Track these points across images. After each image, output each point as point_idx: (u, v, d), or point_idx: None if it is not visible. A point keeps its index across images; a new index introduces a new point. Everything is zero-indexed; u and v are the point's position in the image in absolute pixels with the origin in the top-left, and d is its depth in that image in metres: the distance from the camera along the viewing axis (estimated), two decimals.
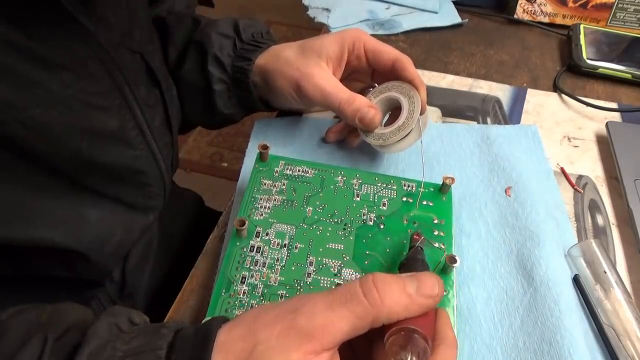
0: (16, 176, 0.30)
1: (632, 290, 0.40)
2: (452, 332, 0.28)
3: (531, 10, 0.71)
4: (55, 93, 0.30)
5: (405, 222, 0.39)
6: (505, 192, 0.45)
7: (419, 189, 0.41)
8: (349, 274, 0.36)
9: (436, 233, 0.39)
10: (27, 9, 0.28)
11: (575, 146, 0.53)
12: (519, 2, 0.70)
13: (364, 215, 0.39)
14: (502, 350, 0.35)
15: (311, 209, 0.39)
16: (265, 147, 0.41)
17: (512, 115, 0.56)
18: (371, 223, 0.39)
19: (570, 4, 0.69)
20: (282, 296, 0.34)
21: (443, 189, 0.41)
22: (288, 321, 0.25)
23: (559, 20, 0.71)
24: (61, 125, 0.31)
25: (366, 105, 0.43)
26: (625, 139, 0.50)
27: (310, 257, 0.36)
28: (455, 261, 0.35)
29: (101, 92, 0.34)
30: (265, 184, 0.41)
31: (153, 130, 0.39)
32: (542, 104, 0.58)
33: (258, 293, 0.34)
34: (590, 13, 0.69)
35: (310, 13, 0.72)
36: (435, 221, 0.39)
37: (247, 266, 0.35)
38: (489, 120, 0.55)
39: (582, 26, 0.66)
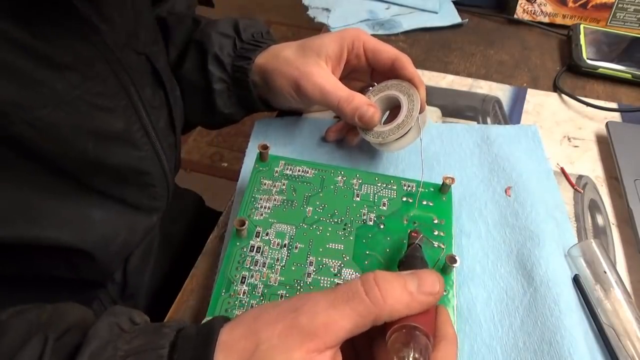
0: (23, 176, 0.30)
1: (632, 290, 0.40)
2: (452, 329, 0.28)
3: (531, 10, 0.71)
4: (62, 93, 0.30)
5: (405, 222, 0.39)
6: (505, 192, 0.45)
7: (419, 189, 0.41)
8: (349, 274, 0.36)
9: (436, 233, 0.39)
10: (34, 9, 0.28)
11: (575, 146, 0.53)
12: (519, 2, 0.70)
13: (364, 215, 0.39)
14: (502, 350, 0.35)
15: (311, 209, 0.39)
16: (265, 147, 0.41)
17: (512, 115, 0.56)
18: (371, 223, 0.39)
19: (570, 4, 0.69)
20: (282, 296, 0.34)
21: (443, 189, 0.41)
22: (290, 320, 0.25)
23: (559, 20, 0.71)
24: (68, 126, 0.31)
25: (365, 104, 0.43)
26: (625, 139, 0.50)
27: (310, 257, 0.36)
28: (455, 261, 0.35)
29: (107, 93, 0.34)
30: (265, 184, 0.41)
31: (158, 131, 0.40)
32: (542, 104, 0.58)
33: (258, 293, 0.34)
34: (590, 13, 0.69)
35: (310, 13, 0.72)
36: (435, 221, 0.39)
37: (247, 266, 0.35)
38: (489, 120, 0.55)
39: (582, 26, 0.66)
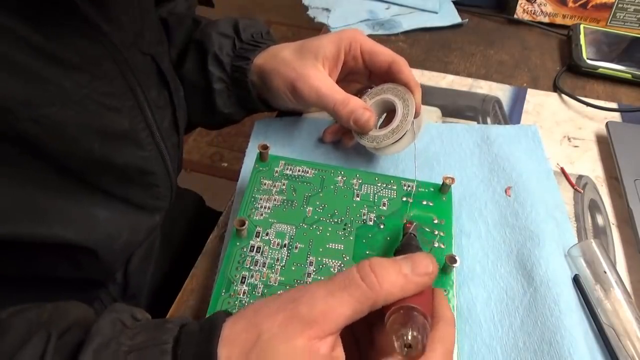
0: (28, 175, 0.31)
1: (632, 290, 0.40)
2: (449, 311, 0.29)
3: (531, 10, 0.71)
4: (69, 92, 0.30)
5: (405, 222, 0.39)
6: (505, 192, 0.45)
7: (418, 189, 0.41)
8: None
9: (436, 233, 0.39)
10: (43, 9, 0.28)
11: (575, 146, 0.53)
12: (519, 2, 0.70)
13: (364, 215, 0.39)
14: (502, 350, 0.35)
15: (311, 209, 0.39)
16: (265, 147, 0.41)
17: (512, 115, 0.56)
18: (371, 223, 0.39)
19: (570, 4, 0.69)
20: None
21: (443, 189, 0.41)
22: (289, 310, 0.26)
23: (559, 20, 0.71)
24: (74, 124, 0.31)
25: (361, 107, 0.43)
26: (625, 139, 0.50)
27: (310, 257, 0.37)
28: (455, 261, 0.35)
29: (114, 93, 0.34)
30: (265, 184, 0.41)
31: (162, 131, 0.40)
32: (542, 104, 0.58)
33: (258, 293, 0.34)
34: (590, 13, 0.69)
35: (310, 13, 0.72)
36: (435, 221, 0.39)
37: (247, 266, 0.35)
38: (489, 120, 0.55)
39: (582, 26, 0.66)
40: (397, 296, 0.27)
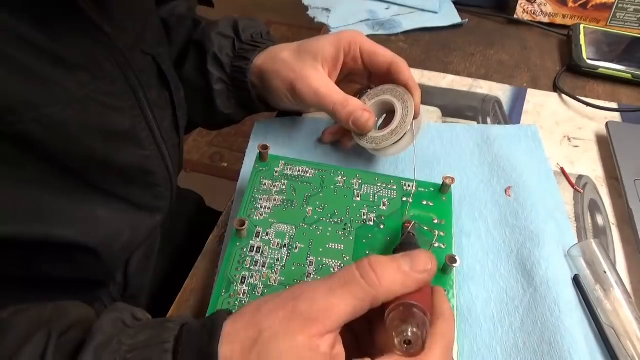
0: (30, 174, 0.31)
1: (632, 290, 0.40)
2: (449, 308, 0.29)
3: (531, 10, 0.71)
4: (71, 92, 0.30)
5: (404, 222, 0.39)
6: (505, 192, 0.45)
7: (418, 189, 0.41)
8: None
9: (436, 233, 0.39)
10: (46, 10, 0.28)
11: (575, 146, 0.53)
12: (519, 2, 0.70)
13: (364, 215, 0.39)
14: (502, 350, 0.35)
15: (311, 209, 0.39)
16: (265, 147, 0.41)
17: (512, 115, 0.56)
18: (371, 223, 0.39)
19: (570, 4, 0.69)
20: None
21: (443, 189, 0.41)
22: (290, 307, 0.26)
23: (559, 20, 0.71)
24: (76, 124, 0.31)
25: (360, 109, 0.43)
26: (625, 139, 0.50)
27: (310, 257, 0.37)
28: (455, 261, 0.35)
29: (116, 93, 0.34)
30: (265, 184, 0.41)
31: (162, 131, 0.40)
32: (542, 104, 0.58)
33: (258, 293, 0.34)
34: (590, 13, 0.69)
35: (310, 13, 0.72)
36: (435, 221, 0.39)
37: (247, 266, 0.35)
38: (489, 120, 0.55)
39: (582, 26, 0.66)
40: (397, 293, 0.27)
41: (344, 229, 0.38)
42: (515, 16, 0.72)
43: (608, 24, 0.70)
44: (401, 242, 0.36)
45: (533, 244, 0.40)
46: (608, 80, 0.62)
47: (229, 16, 0.51)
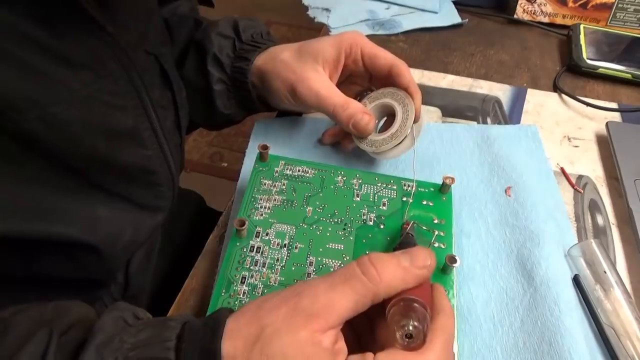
0: (32, 172, 0.31)
1: (632, 290, 0.40)
2: (449, 303, 0.30)
3: (531, 10, 0.71)
4: (75, 91, 0.30)
5: (402, 223, 0.39)
6: (505, 192, 0.45)
7: (418, 189, 0.41)
8: None
9: (436, 233, 0.39)
10: (50, 9, 0.28)
11: (575, 146, 0.53)
12: (519, 2, 0.70)
13: (364, 215, 0.39)
14: (502, 350, 0.35)
15: (311, 209, 0.39)
16: (265, 147, 0.41)
17: (512, 115, 0.56)
18: (371, 223, 0.39)
19: (570, 4, 0.69)
20: None
21: (443, 189, 0.41)
22: (292, 304, 0.26)
23: (559, 20, 0.71)
24: (79, 123, 0.31)
25: (360, 111, 0.43)
26: (625, 139, 0.50)
27: (310, 257, 0.37)
28: (455, 261, 0.35)
29: (119, 92, 0.34)
30: (265, 184, 0.41)
31: (165, 131, 0.40)
32: (542, 104, 0.58)
33: (258, 293, 0.34)
34: (590, 13, 0.69)
35: (310, 13, 0.72)
36: (435, 221, 0.39)
37: (247, 266, 0.35)
38: (489, 120, 0.55)
39: (582, 26, 0.66)
40: (398, 289, 0.27)
41: (344, 229, 0.38)
42: (515, 16, 0.72)
43: (608, 24, 0.70)
44: (400, 242, 0.36)
45: (533, 244, 0.40)
46: (608, 80, 0.62)
47: (229, 16, 0.51)
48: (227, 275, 0.35)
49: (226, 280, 0.35)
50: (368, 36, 0.56)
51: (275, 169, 0.42)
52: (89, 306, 0.31)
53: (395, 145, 0.43)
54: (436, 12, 0.72)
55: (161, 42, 0.43)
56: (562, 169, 0.49)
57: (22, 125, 0.28)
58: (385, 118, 0.48)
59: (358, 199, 0.41)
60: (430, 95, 0.58)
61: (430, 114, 0.55)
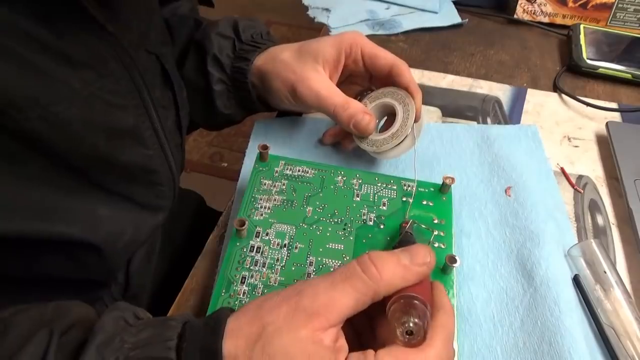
0: (33, 172, 0.31)
1: (632, 290, 0.40)
2: (448, 301, 0.30)
3: (531, 10, 0.71)
4: (76, 90, 0.31)
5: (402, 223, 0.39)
6: (505, 192, 0.45)
7: (418, 189, 0.41)
8: None
9: (436, 233, 0.39)
10: (51, 8, 0.28)
11: (575, 146, 0.53)
12: (519, 2, 0.70)
13: (364, 215, 0.39)
14: (502, 350, 0.35)
15: (311, 209, 0.39)
16: (265, 147, 0.41)
17: (512, 115, 0.56)
18: (371, 223, 0.39)
19: (570, 4, 0.69)
20: None
21: (443, 189, 0.41)
22: (293, 303, 0.26)
23: (559, 20, 0.71)
24: (81, 122, 0.31)
25: (361, 111, 0.43)
26: (625, 139, 0.50)
27: (310, 257, 0.37)
28: (455, 261, 0.35)
29: (120, 92, 0.34)
30: (265, 184, 0.41)
31: (165, 130, 0.40)
32: (542, 104, 0.58)
33: (258, 293, 0.34)
34: (590, 13, 0.69)
35: (310, 13, 0.72)
36: (435, 221, 0.39)
37: (247, 266, 0.35)
38: (489, 120, 0.55)
39: (582, 26, 0.66)
40: (398, 286, 0.28)
41: (344, 229, 0.38)
42: (515, 16, 0.72)
43: (608, 24, 0.70)
44: (399, 241, 0.36)
45: (533, 244, 0.40)
46: (608, 80, 0.62)
47: (229, 16, 0.51)
48: (227, 275, 0.35)
49: (226, 280, 0.35)
50: (368, 36, 0.55)
51: (275, 169, 0.42)
52: (89, 306, 0.31)
53: (396, 145, 0.43)
54: (436, 12, 0.72)
55: (162, 42, 0.43)
56: (562, 169, 0.49)
57: (23, 124, 0.28)
58: (385, 118, 0.48)
59: (358, 199, 0.41)
60: (430, 95, 0.58)
61: (430, 114, 0.55)
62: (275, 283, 0.35)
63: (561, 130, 0.54)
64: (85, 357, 0.25)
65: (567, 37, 0.68)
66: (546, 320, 0.36)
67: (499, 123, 0.55)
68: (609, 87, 0.61)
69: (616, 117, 0.56)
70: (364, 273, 0.27)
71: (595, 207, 0.46)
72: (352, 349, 0.27)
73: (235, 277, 0.35)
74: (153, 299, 0.50)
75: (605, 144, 0.52)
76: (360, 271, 0.27)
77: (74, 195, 0.34)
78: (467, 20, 0.71)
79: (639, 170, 0.47)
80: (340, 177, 0.42)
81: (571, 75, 0.63)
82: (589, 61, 0.62)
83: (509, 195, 0.45)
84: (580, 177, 0.49)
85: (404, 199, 0.41)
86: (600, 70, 0.61)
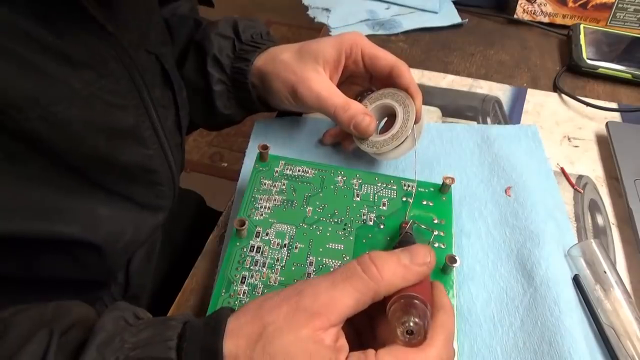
0: (33, 172, 0.31)
1: (632, 290, 0.40)
2: (448, 301, 0.30)
3: (531, 10, 0.71)
4: (77, 90, 0.31)
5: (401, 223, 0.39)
6: (505, 192, 0.45)
7: (418, 189, 0.41)
8: None
9: (436, 233, 0.39)
10: (51, 8, 0.28)
11: (575, 146, 0.53)
12: (519, 2, 0.70)
13: (364, 215, 0.39)
14: (502, 350, 0.35)
15: (311, 209, 0.39)
16: (265, 147, 0.41)
17: (512, 115, 0.56)
18: (371, 223, 0.39)
19: (570, 4, 0.69)
20: None
21: (443, 189, 0.41)
22: (294, 302, 0.26)
23: (559, 20, 0.71)
24: (81, 122, 0.31)
25: (361, 113, 0.43)
26: (625, 139, 0.51)
27: (310, 257, 0.37)
28: (455, 261, 0.35)
29: (120, 92, 0.34)
30: (265, 184, 0.41)
31: (165, 130, 0.40)
32: (542, 104, 0.58)
33: (258, 293, 0.34)
34: (590, 13, 0.69)
35: (310, 13, 0.72)
36: (435, 221, 0.39)
37: (247, 266, 0.35)
38: (489, 120, 0.55)
39: (582, 26, 0.66)
40: (398, 286, 0.28)
41: (344, 229, 0.38)
42: (515, 16, 0.72)
43: (608, 24, 0.70)
44: (399, 241, 0.36)
45: (533, 244, 0.40)
46: (608, 80, 0.62)
47: (229, 16, 0.51)
48: (227, 275, 0.35)
49: (226, 280, 0.35)
50: (368, 36, 0.56)
51: (275, 169, 0.42)
52: (89, 306, 0.31)
53: (396, 147, 0.43)
54: (436, 12, 0.72)
55: (162, 42, 0.43)
56: (562, 169, 0.49)
57: (23, 124, 0.28)
58: (385, 119, 0.48)
59: (358, 199, 0.41)
60: (430, 95, 0.58)
61: (430, 114, 0.55)
62: (275, 283, 0.35)
63: (561, 130, 0.54)
64: (85, 357, 0.25)
65: (567, 37, 0.68)
66: (546, 320, 0.36)
67: (499, 123, 0.55)
68: (609, 87, 0.61)
69: (616, 117, 0.56)
70: (365, 273, 0.27)
71: (595, 207, 0.46)
72: (352, 348, 0.27)
73: (235, 277, 0.35)
74: (153, 299, 0.50)
75: (605, 144, 0.52)
76: (361, 271, 0.27)
77: (73, 195, 0.34)
78: (467, 20, 0.71)
79: (639, 170, 0.47)
80: (340, 177, 0.42)
81: (571, 75, 0.63)
82: (589, 61, 0.62)
83: (509, 195, 0.45)
84: (580, 177, 0.49)
85: (404, 199, 0.41)
86: (600, 70, 0.61)
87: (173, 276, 0.46)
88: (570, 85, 0.61)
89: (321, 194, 0.41)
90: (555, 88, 0.61)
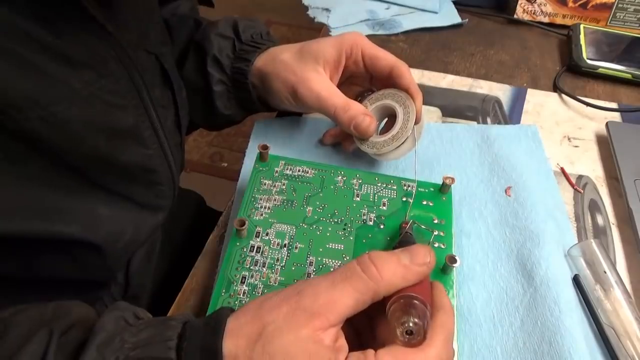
0: (33, 172, 0.31)
1: (632, 290, 0.40)
2: (448, 301, 0.30)
3: (531, 10, 0.71)
4: (76, 90, 0.31)
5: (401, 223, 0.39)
6: (505, 192, 0.45)
7: (418, 189, 0.41)
8: None
9: (436, 233, 0.39)
10: (51, 8, 0.28)
11: (575, 146, 0.53)
12: (519, 2, 0.70)
13: (364, 215, 0.39)
14: (502, 350, 0.35)
15: (311, 209, 0.39)
16: (265, 147, 0.41)
17: (512, 115, 0.56)
18: (371, 223, 0.39)
19: (570, 4, 0.69)
20: None
21: (443, 189, 0.41)
22: (294, 302, 0.26)
23: (559, 20, 0.71)
24: (80, 122, 0.31)
25: (361, 113, 0.43)
26: (625, 139, 0.51)
27: (310, 257, 0.37)
28: (455, 261, 0.35)
29: (120, 92, 0.34)
30: (265, 184, 0.41)
31: (165, 130, 0.40)
32: (542, 104, 0.58)
33: (258, 293, 0.34)
34: (590, 13, 0.69)
35: (310, 13, 0.72)
36: (435, 221, 0.39)
37: (247, 266, 0.35)
38: (489, 120, 0.55)
39: (582, 26, 0.66)
40: (398, 286, 0.28)
41: (344, 229, 0.38)
42: (515, 16, 0.72)
43: (608, 24, 0.70)
44: (399, 241, 0.36)
45: (533, 244, 0.40)
46: (608, 80, 0.62)
47: (229, 16, 0.51)
48: (227, 275, 0.35)
49: (226, 280, 0.35)
50: (368, 36, 0.56)
51: (275, 169, 0.42)
52: (89, 306, 0.31)
53: (397, 147, 0.43)
54: (436, 12, 0.72)
55: (162, 42, 0.43)
56: (562, 169, 0.49)
57: (23, 124, 0.28)
58: (386, 119, 0.48)
59: (358, 199, 0.41)
60: (430, 95, 0.58)
61: (430, 114, 0.55)
62: (275, 283, 0.35)
63: (561, 130, 0.54)
64: (85, 356, 0.25)
65: (567, 37, 0.68)
66: (546, 320, 0.36)
67: (499, 123, 0.55)
68: (609, 87, 0.61)
69: (616, 117, 0.56)
70: (364, 273, 0.27)
71: (595, 207, 0.46)
72: (352, 348, 0.27)
73: (235, 277, 0.35)
74: (153, 299, 0.50)
75: (605, 144, 0.52)
76: (361, 271, 0.27)
77: (73, 195, 0.34)
78: (467, 20, 0.71)
79: (639, 170, 0.47)
80: (340, 177, 0.42)
81: (571, 75, 0.63)
82: (589, 61, 0.62)
83: (509, 195, 0.45)
84: (580, 177, 0.49)
85: (404, 199, 0.41)
86: (600, 70, 0.61)
87: (173, 276, 0.46)
88: (570, 85, 0.61)
89: (321, 194, 0.41)
90: (555, 88, 0.61)
